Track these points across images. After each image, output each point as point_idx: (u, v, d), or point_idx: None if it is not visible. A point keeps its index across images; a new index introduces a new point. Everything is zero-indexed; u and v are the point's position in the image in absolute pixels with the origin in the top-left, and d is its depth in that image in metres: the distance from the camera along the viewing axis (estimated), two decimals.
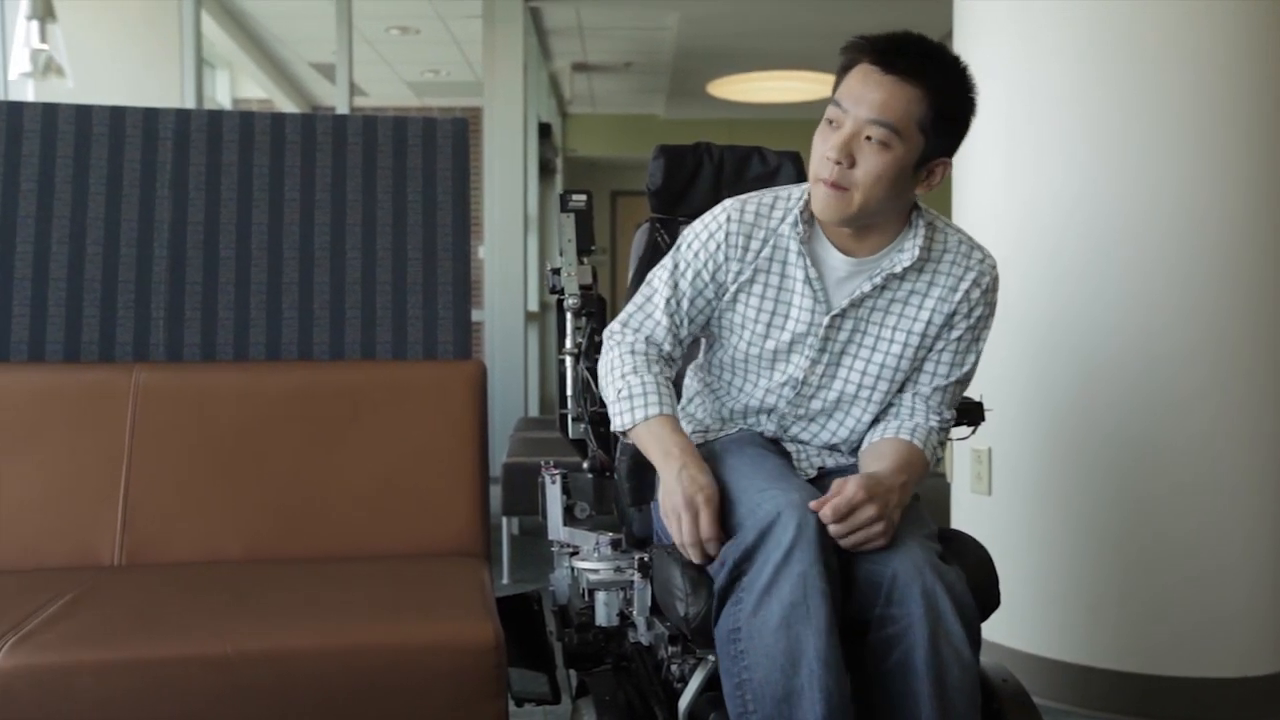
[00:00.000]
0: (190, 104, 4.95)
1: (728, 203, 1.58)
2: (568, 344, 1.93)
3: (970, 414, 1.70)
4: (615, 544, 1.63)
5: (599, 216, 2.10)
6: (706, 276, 1.57)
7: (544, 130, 6.92)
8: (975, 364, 1.61)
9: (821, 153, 1.46)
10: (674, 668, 1.53)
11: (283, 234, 2.20)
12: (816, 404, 1.60)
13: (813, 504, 1.35)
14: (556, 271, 1.97)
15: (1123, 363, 2.55)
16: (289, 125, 2.26)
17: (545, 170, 7.35)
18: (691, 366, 1.76)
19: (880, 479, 1.40)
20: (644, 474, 1.82)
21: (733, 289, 1.57)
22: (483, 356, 5.11)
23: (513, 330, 5.42)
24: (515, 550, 4.01)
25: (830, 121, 1.46)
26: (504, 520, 3.85)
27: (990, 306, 1.58)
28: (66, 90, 3.87)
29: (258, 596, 1.68)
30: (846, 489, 1.35)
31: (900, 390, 1.60)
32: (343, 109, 5.20)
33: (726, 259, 1.55)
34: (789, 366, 1.58)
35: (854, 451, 1.63)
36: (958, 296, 1.55)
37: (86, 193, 2.15)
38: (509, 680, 1.64)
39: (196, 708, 1.43)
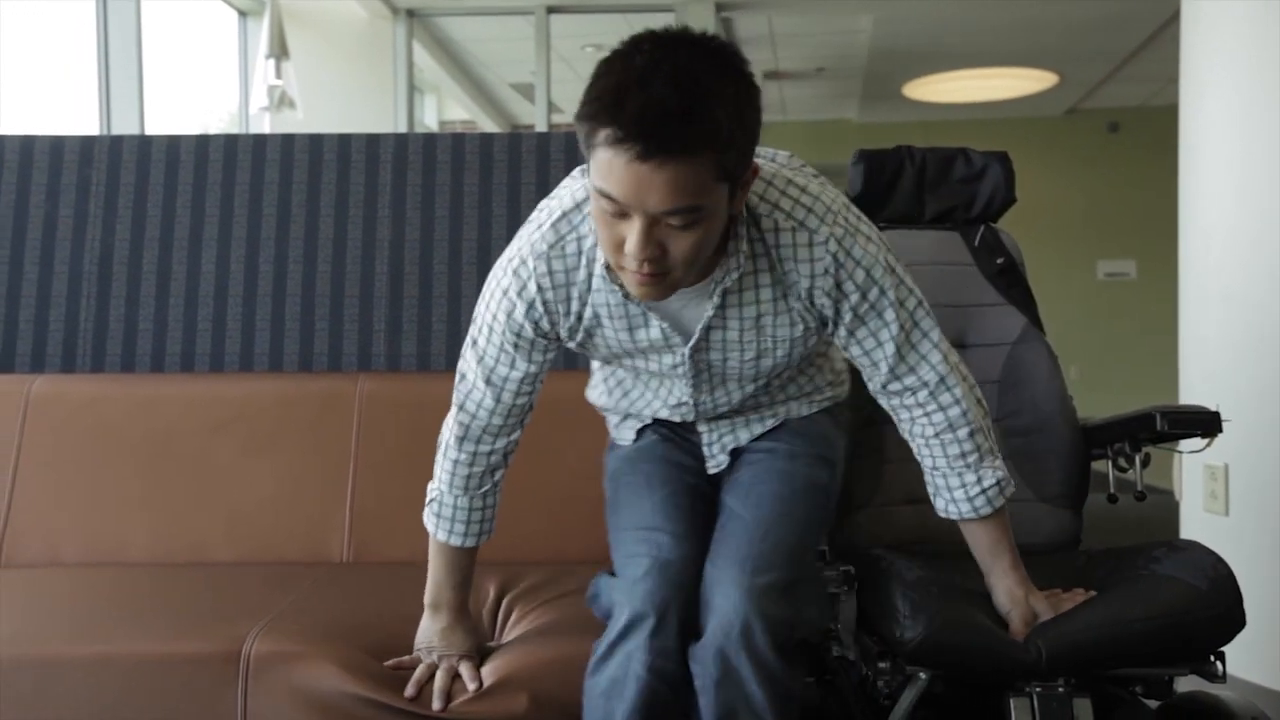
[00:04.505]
0: (403, 127, 5.26)
1: (526, 264, 1.34)
2: None
3: (1205, 424, 1.58)
4: (819, 555, 1.61)
5: None
6: (526, 347, 1.40)
7: None
8: (906, 312, 1.38)
9: (611, 242, 1.21)
10: (881, 684, 1.49)
11: (491, 249, 2.30)
12: (723, 408, 1.50)
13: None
14: None
15: None
16: (496, 145, 2.36)
17: None
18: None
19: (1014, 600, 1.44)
20: (844, 485, 1.80)
21: (571, 335, 1.40)
22: None
23: None
24: None
25: (608, 212, 1.19)
26: None
27: (858, 271, 1.32)
28: (296, 120, 4.20)
29: (473, 600, 1.75)
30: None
31: (874, 383, 1.43)
32: (541, 126, 5.39)
33: (553, 324, 1.38)
34: (675, 391, 1.48)
35: (797, 392, 1.53)
36: (805, 290, 1.34)
37: (318, 215, 2.32)
38: None
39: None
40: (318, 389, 2.20)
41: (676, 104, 1.13)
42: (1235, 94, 2.59)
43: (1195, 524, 2.66)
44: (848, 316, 1.36)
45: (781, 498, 1.46)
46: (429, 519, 1.54)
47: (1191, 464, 2.64)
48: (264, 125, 4.31)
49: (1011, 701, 1.40)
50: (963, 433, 1.42)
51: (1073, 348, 6.53)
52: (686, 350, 1.38)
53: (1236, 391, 2.48)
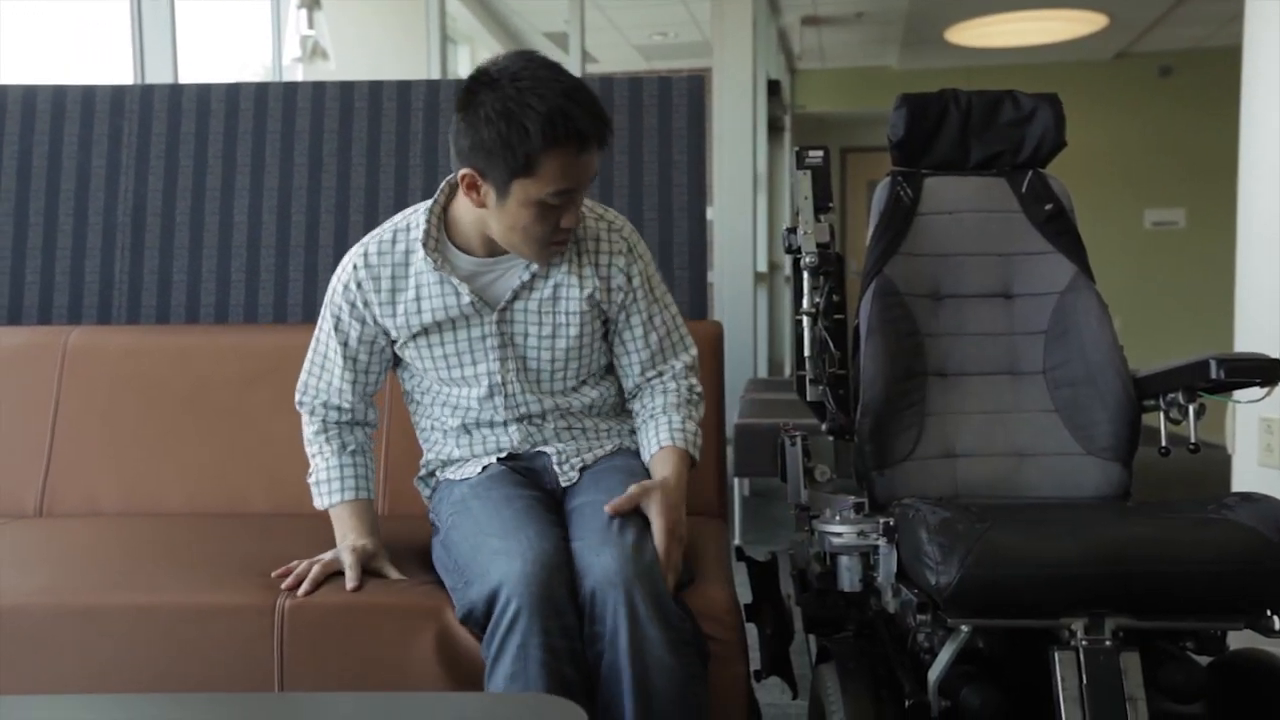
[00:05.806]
0: (436, 79, 5.21)
1: (353, 252, 1.65)
2: (805, 304, 1.88)
3: (1266, 372, 1.51)
4: (858, 507, 1.58)
5: None
6: (360, 327, 1.64)
7: (772, 88, 6.81)
8: (671, 308, 1.71)
9: (546, 233, 1.51)
10: (922, 638, 1.46)
11: None
12: (535, 407, 1.64)
13: (607, 506, 1.47)
14: (792, 230, 1.92)
15: None
16: None
17: (774, 128, 7.24)
18: (411, 407, 1.76)
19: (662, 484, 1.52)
20: (886, 437, 1.76)
21: (390, 321, 1.62)
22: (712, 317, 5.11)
23: (742, 291, 5.39)
24: (746, 511, 4.02)
25: (556, 206, 1.48)
26: (735, 481, 3.85)
27: (639, 262, 1.66)
28: (329, 72, 4.17)
29: None
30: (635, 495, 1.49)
31: (632, 370, 1.68)
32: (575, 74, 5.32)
33: (367, 304, 1.62)
34: (482, 376, 1.62)
35: (613, 413, 1.72)
36: (604, 271, 1.63)
37: (350, 164, 2.29)
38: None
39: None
40: None
41: (595, 97, 1.47)
42: None
43: (1249, 478, 2.60)
44: (640, 292, 1.65)
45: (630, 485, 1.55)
46: (316, 499, 1.67)
47: (1246, 417, 2.56)
48: (297, 77, 4.28)
49: (1056, 655, 1.36)
50: (686, 382, 1.69)
51: (1117, 298, 6.36)
52: (494, 317, 1.59)
53: None
